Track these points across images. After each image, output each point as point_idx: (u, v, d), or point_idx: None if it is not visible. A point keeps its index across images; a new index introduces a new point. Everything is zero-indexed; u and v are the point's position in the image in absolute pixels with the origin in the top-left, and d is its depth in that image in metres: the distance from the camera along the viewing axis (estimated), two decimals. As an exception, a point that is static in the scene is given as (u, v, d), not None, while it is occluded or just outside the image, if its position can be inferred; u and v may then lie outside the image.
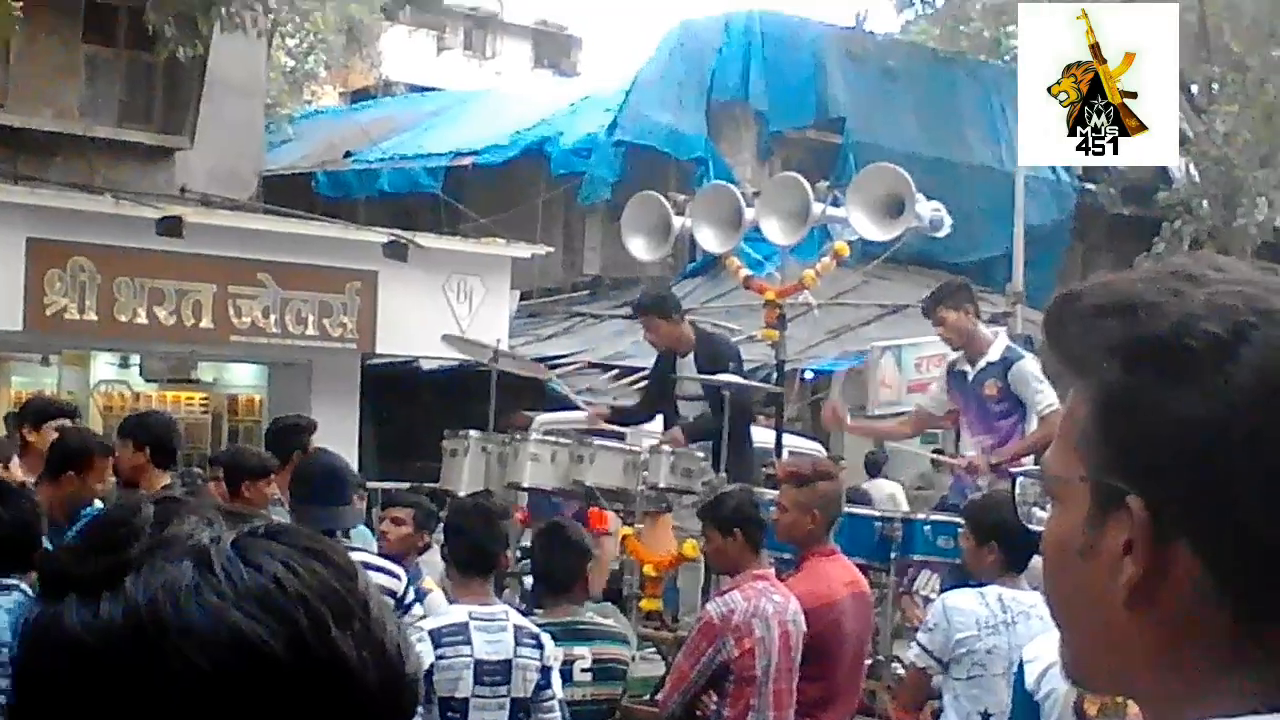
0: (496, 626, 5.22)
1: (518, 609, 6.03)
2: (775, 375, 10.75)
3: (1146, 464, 1.12)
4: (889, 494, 12.22)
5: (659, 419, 9.72)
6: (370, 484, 10.30)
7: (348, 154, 23.28)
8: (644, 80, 20.77)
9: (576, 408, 14.76)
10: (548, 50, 44.21)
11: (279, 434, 8.41)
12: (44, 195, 15.17)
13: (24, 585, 5.01)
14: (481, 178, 21.06)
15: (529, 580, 7.61)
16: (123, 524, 1.12)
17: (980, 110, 21.42)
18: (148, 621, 1.05)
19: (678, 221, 10.60)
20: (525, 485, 8.99)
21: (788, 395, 12.75)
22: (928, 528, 8.45)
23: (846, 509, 7.24)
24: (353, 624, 1.09)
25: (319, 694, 1.07)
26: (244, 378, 19.75)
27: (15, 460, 7.25)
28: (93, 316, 14.97)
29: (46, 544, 5.19)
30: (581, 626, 5.77)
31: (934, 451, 13.02)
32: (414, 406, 16.59)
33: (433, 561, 7.43)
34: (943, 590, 7.15)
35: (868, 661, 7.03)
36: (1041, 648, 4.31)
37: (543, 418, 12.97)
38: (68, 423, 7.80)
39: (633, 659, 6.40)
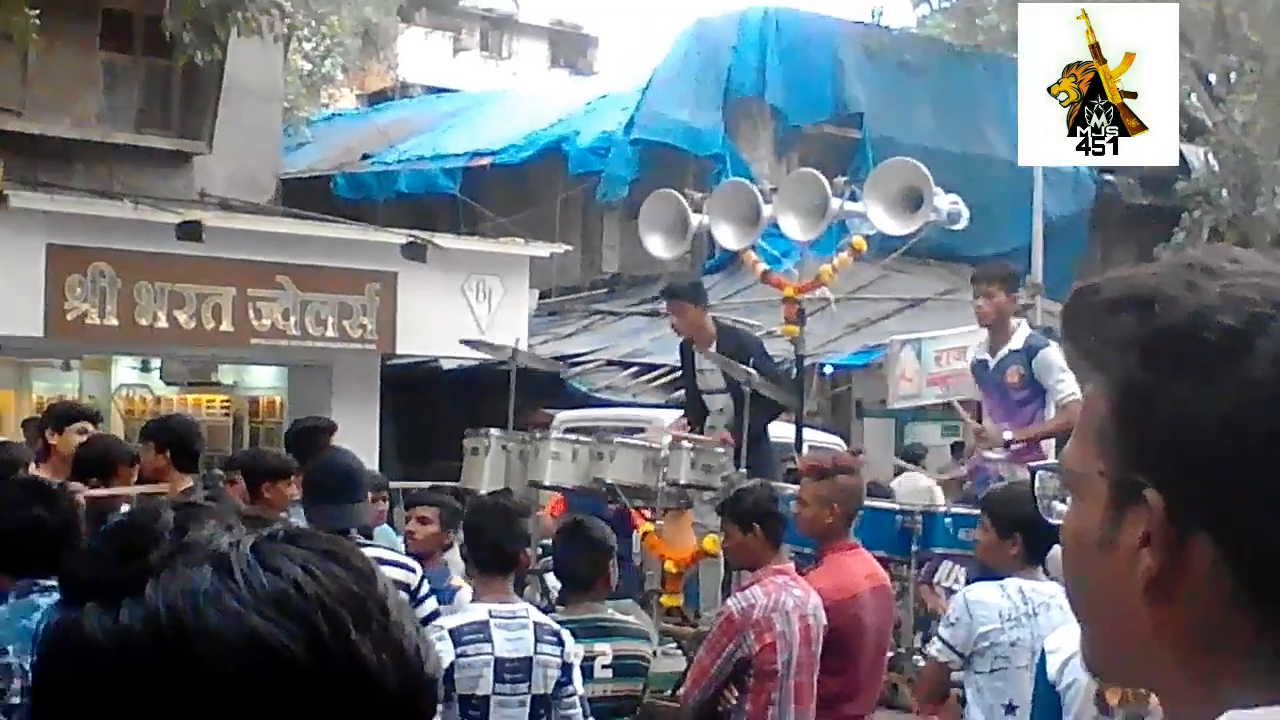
0: (517, 624, 5.22)
1: (538, 606, 6.05)
2: (795, 370, 10.76)
3: (1163, 458, 1.12)
4: (925, 487, 12.14)
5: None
6: (392, 484, 10.32)
7: (365, 156, 23.31)
8: (660, 78, 20.75)
9: (596, 405, 14.78)
10: (564, 50, 44.23)
11: (299, 435, 8.44)
12: (63, 202, 15.23)
13: None
14: (499, 178, 21.07)
15: (550, 577, 7.64)
16: (143, 529, 1.13)
17: (997, 103, 21.31)
18: (167, 627, 1.06)
19: (695, 219, 10.60)
20: (546, 483, 9.00)
21: (807, 390, 12.75)
22: (948, 520, 8.45)
23: (867, 502, 7.25)
24: (371, 626, 1.10)
25: (339, 697, 1.07)
26: (264, 380, 19.80)
27: (32, 466, 7.29)
28: (113, 321, 15.03)
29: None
30: (602, 623, 5.77)
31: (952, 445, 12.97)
32: (434, 406, 16.62)
33: (454, 560, 7.47)
34: (969, 582, 7.14)
35: (889, 655, 7.03)
36: (1063, 639, 4.31)
37: (563, 415, 12.99)
38: (90, 426, 7.83)
39: (654, 654, 6.40)
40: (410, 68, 33.13)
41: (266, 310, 15.73)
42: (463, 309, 16.22)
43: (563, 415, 13.02)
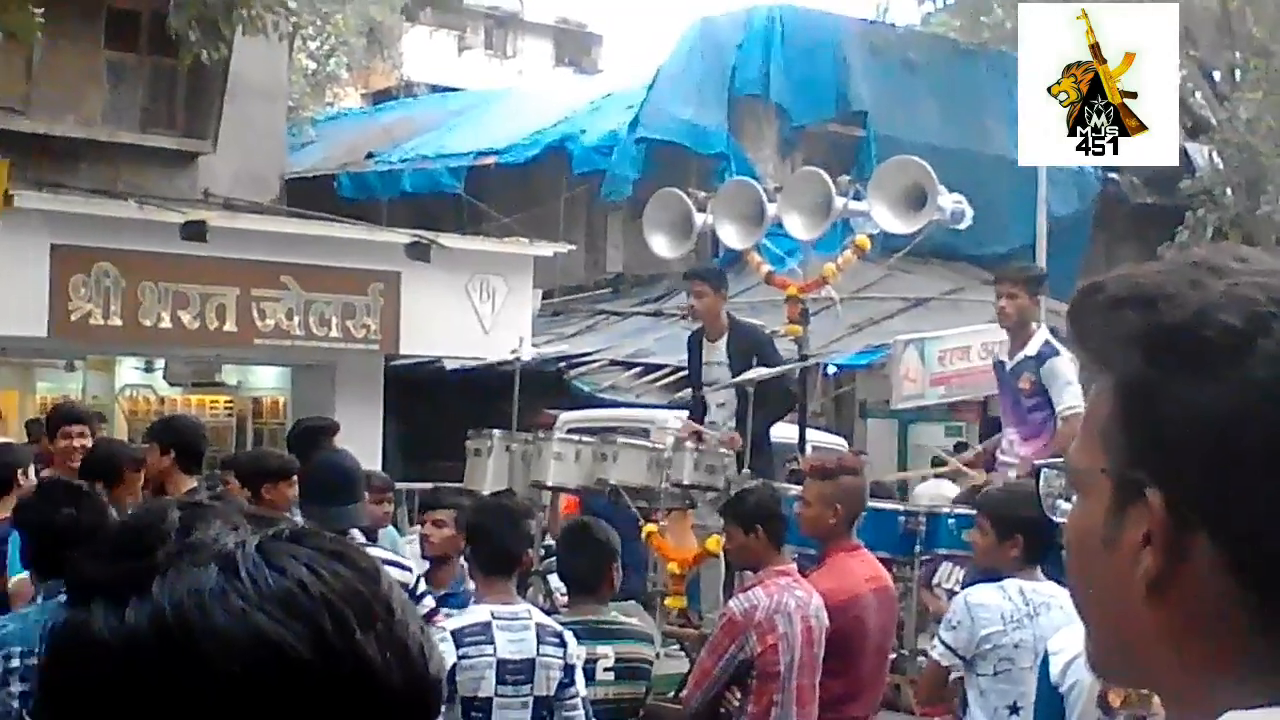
0: (519, 625, 5.22)
1: (541, 608, 6.05)
2: (798, 370, 10.75)
3: (1165, 456, 1.12)
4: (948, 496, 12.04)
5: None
6: (396, 485, 10.32)
7: (370, 155, 23.32)
8: (665, 77, 20.75)
9: (600, 405, 14.79)
10: (569, 49, 44.24)
11: (301, 436, 8.44)
12: (68, 201, 15.24)
13: None
14: (503, 177, 21.08)
15: (553, 578, 7.63)
16: (148, 529, 1.13)
17: (1002, 101, 21.20)
18: (173, 626, 1.06)
19: (699, 218, 10.59)
20: (549, 484, 9.00)
21: (811, 390, 12.75)
22: (951, 521, 8.45)
23: (870, 503, 7.25)
24: (376, 626, 1.10)
25: (344, 696, 1.08)
26: (268, 380, 19.81)
27: (31, 469, 7.30)
28: (117, 321, 15.03)
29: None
30: (605, 625, 5.76)
31: (938, 460, 12.88)
32: (437, 406, 16.62)
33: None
34: (968, 584, 7.14)
35: (891, 656, 7.03)
36: (1067, 639, 4.31)
37: (567, 416, 12.99)
38: (85, 429, 7.81)
39: (657, 656, 6.40)
40: (415, 66, 33.13)
41: (270, 310, 15.74)
42: (466, 309, 16.22)
43: (566, 416, 13.02)
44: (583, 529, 6.10)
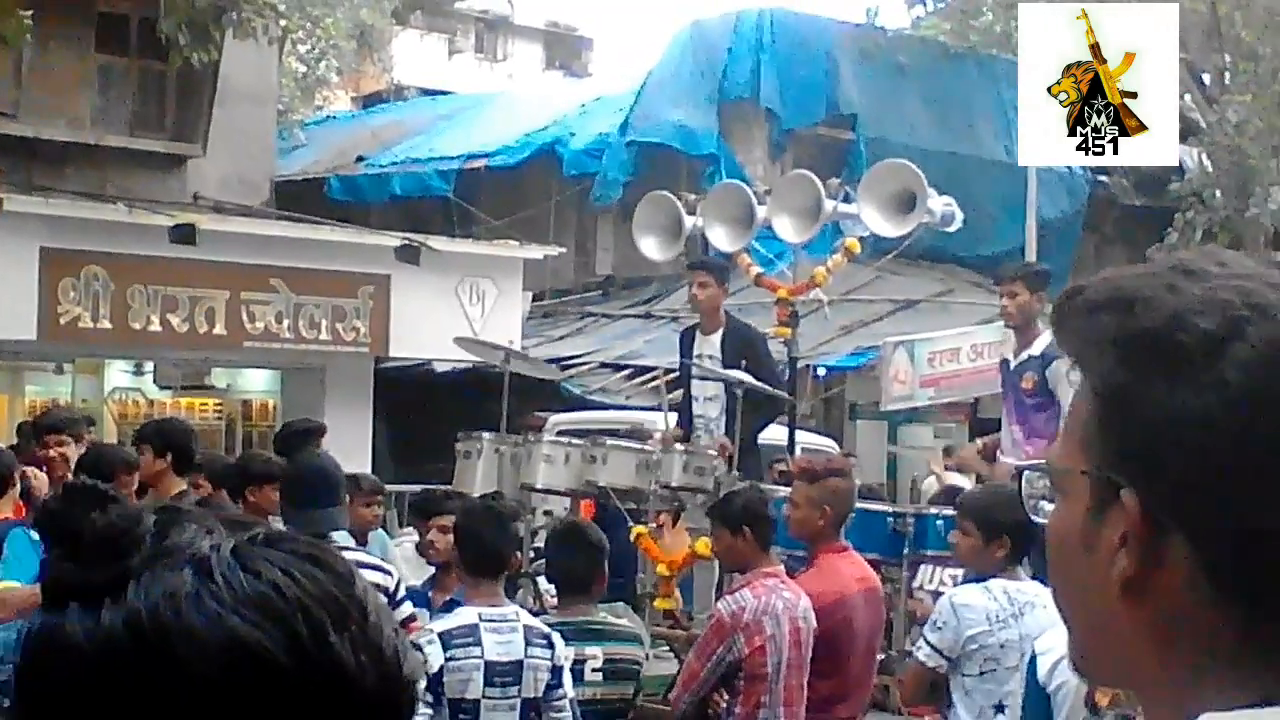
0: (507, 627, 5.22)
1: (530, 610, 6.05)
2: (788, 372, 10.76)
3: (1141, 458, 1.13)
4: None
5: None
6: (387, 487, 10.31)
7: (360, 158, 23.30)
8: (655, 80, 20.76)
9: (590, 408, 14.78)
10: (559, 52, 44.26)
11: (288, 439, 8.42)
12: (57, 205, 15.23)
13: None
14: (493, 180, 21.08)
15: (542, 580, 7.63)
16: (124, 533, 1.14)
17: (992, 104, 21.38)
18: (149, 629, 1.07)
19: (689, 221, 10.59)
20: (538, 486, 9.00)
21: (801, 392, 12.76)
22: (940, 522, 8.45)
23: (859, 504, 7.25)
24: (350, 628, 1.11)
25: (318, 698, 1.08)
26: (257, 383, 19.80)
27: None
28: (106, 325, 15.02)
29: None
30: (594, 626, 5.77)
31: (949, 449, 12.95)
32: (427, 409, 16.60)
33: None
34: (964, 584, 7.14)
35: (880, 657, 7.03)
36: (1054, 640, 4.31)
37: (557, 418, 12.99)
38: (68, 439, 7.80)
39: (646, 658, 6.40)
40: (405, 70, 33.11)
41: (260, 313, 15.73)
42: (456, 311, 16.21)
43: (556, 418, 13.02)
44: (574, 530, 6.11)
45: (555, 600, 6.30)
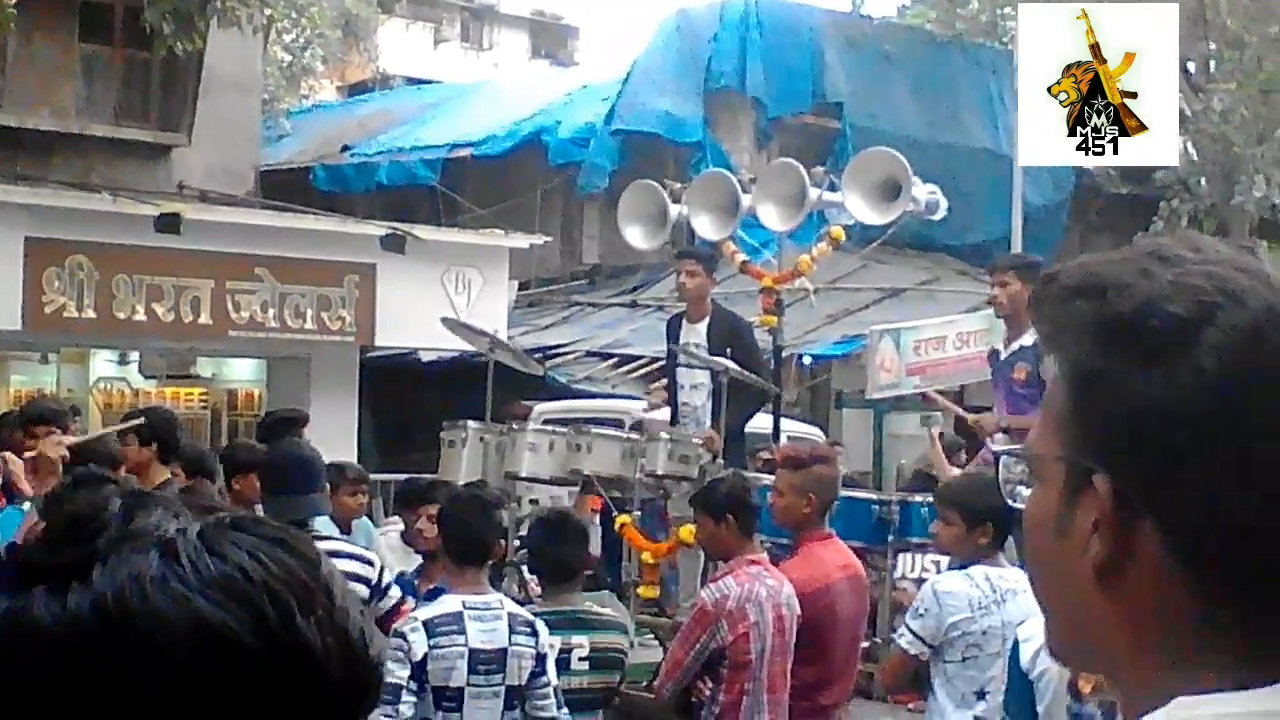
0: (491, 615, 5.23)
1: (515, 598, 6.05)
2: (773, 361, 10.77)
3: (1112, 444, 1.13)
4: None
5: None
6: (371, 476, 10.31)
7: (345, 148, 23.27)
8: (641, 69, 20.74)
9: (576, 396, 14.78)
10: (545, 41, 44.23)
11: (272, 427, 8.42)
12: (42, 194, 15.19)
13: None
14: (479, 169, 21.06)
15: (526, 569, 7.63)
16: (90, 517, 1.13)
17: (978, 93, 21.41)
18: (114, 612, 1.06)
19: (674, 209, 10.60)
20: (523, 475, 9.01)
21: (786, 381, 12.77)
22: (924, 510, 8.46)
23: (844, 492, 7.26)
24: (316, 611, 1.11)
25: (285, 680, 1.08)
26: (243, 372, 19.77)
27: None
28: (91, 314, 14.98)
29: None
30: (579, 615, 5.78)
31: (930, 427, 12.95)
32: (413, 398, 16.61)
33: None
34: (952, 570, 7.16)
35: (864, 644, 7.04)
36: (1037, 626, 4.30)
37: (542, 407, 12.99)
38: (58, 431, 7.77)
39: (631, 646, 6.41)
40: (390, 59, 33.09)
41: (245, 302, 15.70)
42: (442, 300, 16.19)
43: (541, 407, 13.02)
44: (561, 519, 6.11)
45: (539, 589, 6.31)
